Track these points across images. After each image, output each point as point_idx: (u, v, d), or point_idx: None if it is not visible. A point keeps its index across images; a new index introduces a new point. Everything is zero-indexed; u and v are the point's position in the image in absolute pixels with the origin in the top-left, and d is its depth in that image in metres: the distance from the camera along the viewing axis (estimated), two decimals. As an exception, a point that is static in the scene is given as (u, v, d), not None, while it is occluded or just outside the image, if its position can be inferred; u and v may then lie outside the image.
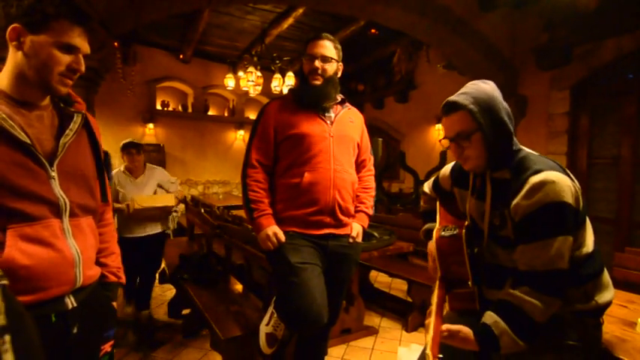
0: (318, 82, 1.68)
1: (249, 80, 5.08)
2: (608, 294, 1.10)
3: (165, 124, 6.52)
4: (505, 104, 1.13)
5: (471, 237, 1.24)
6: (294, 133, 1.66)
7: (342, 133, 1.73)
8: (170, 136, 6.48)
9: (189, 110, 6.85)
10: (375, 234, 2.63)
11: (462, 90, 1.15)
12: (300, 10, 4.49)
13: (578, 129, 3.83)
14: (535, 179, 1.00)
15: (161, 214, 2.86)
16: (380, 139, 3.60)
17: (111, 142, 6.42)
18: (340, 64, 1.78)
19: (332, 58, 1.70)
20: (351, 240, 1.77)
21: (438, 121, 5.44)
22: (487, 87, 1.13)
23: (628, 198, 3.40)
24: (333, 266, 1.74)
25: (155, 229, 2.88)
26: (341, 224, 1.73)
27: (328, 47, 1.70)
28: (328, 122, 1.72)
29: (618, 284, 2.17)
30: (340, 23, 5.03)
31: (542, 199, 0.98)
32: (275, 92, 4.97)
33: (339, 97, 1.80)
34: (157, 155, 6.06)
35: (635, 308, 1.44)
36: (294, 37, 5.45)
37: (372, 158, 1.97)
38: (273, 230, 1.63)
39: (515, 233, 1.06)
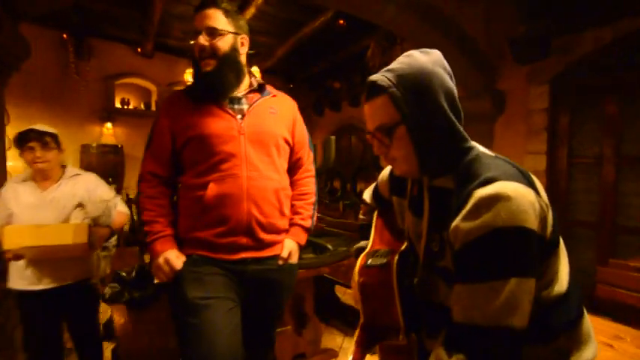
0: (209, 68, 1.30)
1: (211, 75, 4.71)
2: (589, 351, 0.77)
3: (126, 124, 6.08)
4: (450, 85, 0.79)
5: (406, 267, 0.91)
6: (194, 135, 1.30)
7: (258, 129, 1.36)
8: (131, 136, 6.04)
9: (153, 108, 6.41)
10: (329, 246, 2.28)
11: (391, 65, 0.82)
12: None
13: (557, 126, 3.57)
14: (482, 192, 0.67)
15: (73, 254, 1.67)
16: (333, 137, 3.26)
17: (65, 142, 5.96)
18: (243, 36, 1.39)
19: (223, 30, 1.31)
20: (280, 262, 1.43)
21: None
22: (424, 59, 0.79)
23: (611, 200, 3.14)
24: (256, 295, 1.38)
25: (61, 279, 1.72)
26: (263, 245, 1.37)
27: (214, 17, 1.31)
28: (238, 116, 1.35)
29: (602, 305, 1.86)
30: (307, 14, 4.68)
31: (491, 223, 0.65)
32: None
33: (255, 82, 1.43)
34: (114, 157, 5.60)
35: (623, 349, 1.13)
36: (258, 28, 5.06)
37: (312, 155, 1.60)
38: (165, 257, 1.26)
39: (453, 266, 0.74)
